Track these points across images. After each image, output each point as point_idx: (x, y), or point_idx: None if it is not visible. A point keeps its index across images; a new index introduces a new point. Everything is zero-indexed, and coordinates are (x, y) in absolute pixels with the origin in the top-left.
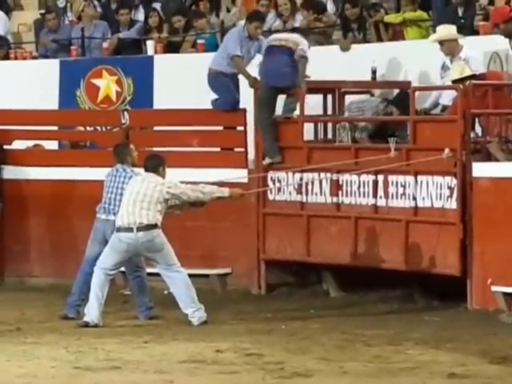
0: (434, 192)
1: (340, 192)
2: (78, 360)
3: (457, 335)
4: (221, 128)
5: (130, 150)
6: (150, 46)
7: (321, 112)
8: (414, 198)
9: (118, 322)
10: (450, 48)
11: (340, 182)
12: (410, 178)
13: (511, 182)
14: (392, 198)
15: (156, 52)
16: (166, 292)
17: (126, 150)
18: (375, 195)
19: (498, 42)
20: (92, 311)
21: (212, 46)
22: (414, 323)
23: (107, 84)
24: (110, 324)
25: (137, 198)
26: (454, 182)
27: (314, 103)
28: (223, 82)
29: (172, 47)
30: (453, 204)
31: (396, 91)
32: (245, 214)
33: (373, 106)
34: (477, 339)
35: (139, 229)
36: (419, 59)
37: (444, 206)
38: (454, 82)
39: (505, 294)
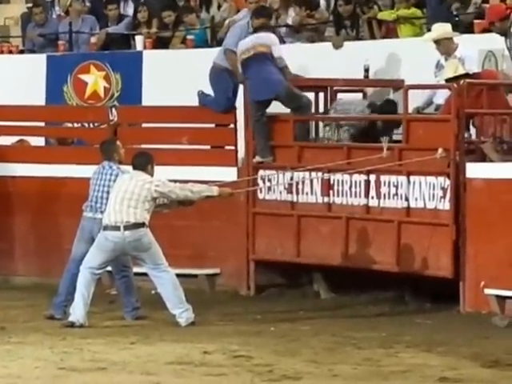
0: (427, 192)
1: (331, 192)
2: (62, 360)
3: (449, 338)
4: (211, 125)
5: (116, 147)
6: (138, 41)
7: (312, 110)
8: (407, 199)
9: (104, 323)
10: (445, 47)
11: (331, 182)
12: (402, 178)
13: (505, 183)
14: (384, 198)
15: (145, 47)
16: (153, 292)
17: (112, 146)
18: (367, 195)
19: (494, 40)
20: (77, 311)
21: (202, 42)
22: (406, 326)
23: (95, 80)
24: (95, 324)
25: (124, 196)
26: (447, 182)
27: None
28: (225, 82)
29: (161, 43)
30: (446, 205)
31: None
32: (234, 213)
33: (358, 110)
34: (469, 342)
35: (126, 227)
36: (413, 57)
37: (437, 207)
38: (447, 80)
39: (498, 296)
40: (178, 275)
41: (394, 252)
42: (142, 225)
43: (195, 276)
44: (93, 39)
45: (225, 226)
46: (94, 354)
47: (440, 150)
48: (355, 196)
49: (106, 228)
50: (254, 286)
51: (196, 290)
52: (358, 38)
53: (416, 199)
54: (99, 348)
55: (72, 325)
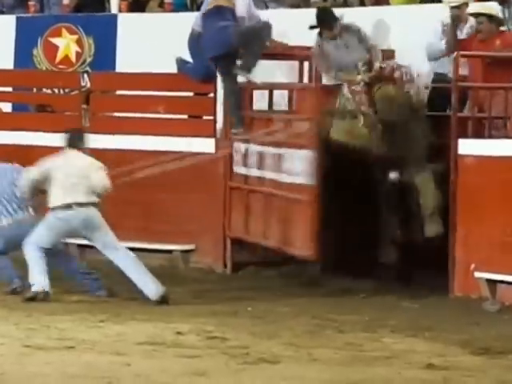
0: None
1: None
2: (28, 338)
3: (436, 323)
4: (188, 94)
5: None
6: (113, 3)
7: (297, 79)
8: None
9: (71, 298)
10: (463, 13)
11: None
12: None
13: (498, 161)
14: None
15: (120, 10)
16: None
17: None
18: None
19: (490, 9)
20: (38, 280)
21: (180, 6)
22: (391, 309)
23: (67, 43)
24: (63, 300)
25: (73, 176)
26: None
27: (288, 70)
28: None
29: (137, 6)
30: None
31: None
32: (211, 186)
33: None
34: (458, 328)
35: (79, 205)
36: (404, 26)
37: None
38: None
39: (489, 280)
40: (150, 250)
41: None
42: (94, 204)
43: (169, 252)
44: (65, 0)
45: (201, 199)
46: (61, 332)
47: None
48: None
49: (55, 208)
50: (230, 263)
51: (169, 266)
52: (346, 4)
53: None
54: (67, 325)
55: (35, 296)
